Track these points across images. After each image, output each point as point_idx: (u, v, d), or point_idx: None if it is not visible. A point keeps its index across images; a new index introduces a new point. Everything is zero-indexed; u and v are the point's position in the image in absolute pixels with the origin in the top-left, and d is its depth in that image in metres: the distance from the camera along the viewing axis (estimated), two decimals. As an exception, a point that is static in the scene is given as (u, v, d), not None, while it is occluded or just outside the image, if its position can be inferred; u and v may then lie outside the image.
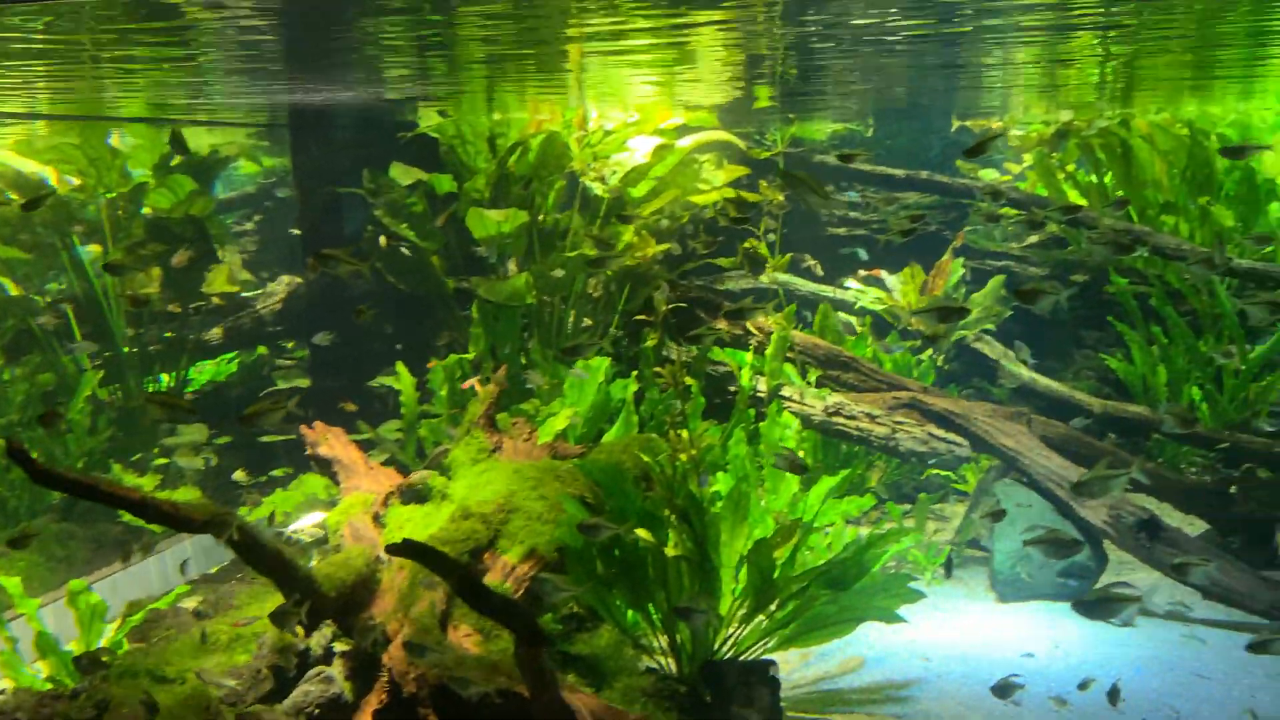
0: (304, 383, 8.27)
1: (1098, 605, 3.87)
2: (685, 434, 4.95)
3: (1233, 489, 6.72)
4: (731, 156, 8.67)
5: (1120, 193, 9.22)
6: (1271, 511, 6.36)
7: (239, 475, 7.26)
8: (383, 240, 7.56)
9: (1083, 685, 4.49)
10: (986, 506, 6.35)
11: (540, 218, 7.61)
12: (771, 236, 7.34)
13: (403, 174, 7.44)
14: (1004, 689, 4.10)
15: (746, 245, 7.36)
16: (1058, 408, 7.77)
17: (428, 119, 7.52)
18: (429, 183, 7.46)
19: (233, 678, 4.31)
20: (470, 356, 7.02)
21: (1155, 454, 7.89)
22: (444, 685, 3.76)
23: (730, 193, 7.67)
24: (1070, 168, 10.13)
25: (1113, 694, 4.18)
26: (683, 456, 4.80)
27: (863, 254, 9.27)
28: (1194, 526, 6.48)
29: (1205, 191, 8.98)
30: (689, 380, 6.16)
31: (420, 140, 7.78)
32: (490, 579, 4.60)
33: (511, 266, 8.00)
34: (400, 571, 4.57)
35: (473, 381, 6.29)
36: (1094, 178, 9.81)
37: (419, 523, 4.94)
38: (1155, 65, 8.91)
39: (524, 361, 7.14)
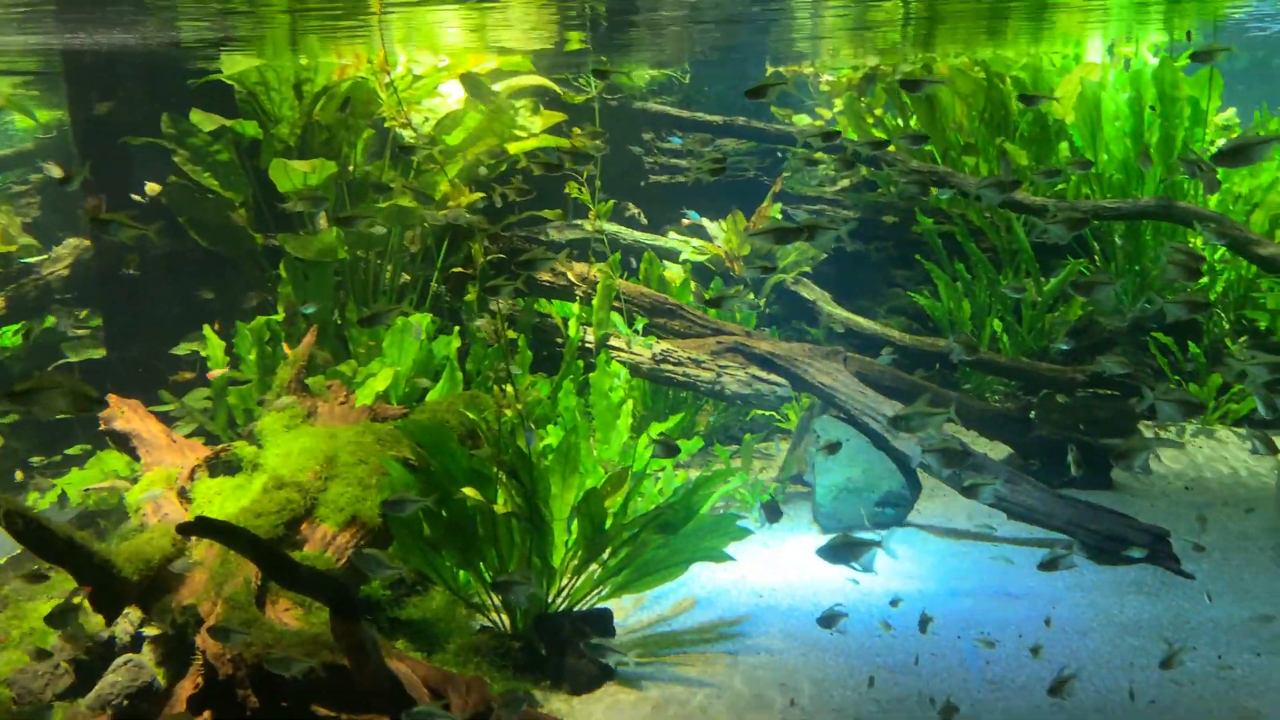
0: (98, 353, 7.68)
1: (840, 549, 4.05)
2: (510, 389, 4.85)
3: (1031, 414, 7.18)
4: (548, 103, 8.51)
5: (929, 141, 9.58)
6: (1067, 433, 6.82)
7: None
8: (151, 187, 7.02)
9: (894, 603, 4.76)
10: (807, 443, 6.54)
11: (350, 169, 7.27)
12: (583, 183, 7.25)
13: (204, 120, 6.92)
14: (829, 619, 4.24)
15: (569, 190, 7.24)
16: (873, 345, 8.07)
17: (231, 65, 6.99)
18: (234, 130, 6.97)
19: (26, 675, 3.98)
20: (280, 318, 6.67)
21: (961, 384, 8.32)
22: (261, 665, 3.57)
23: (550, 140, 7.51)
24: (879, 111, 10.48)
25: (922, 623, 4.39)
26: (508, 412, 4.71)
27: (694, 215, 9.30)
28: (999, 451, 6.88)
29: (1002, 133, 9.45)
30: (512, 334, 6.04)
31: (214, 89, 7.25)
32: (310, 550, 4.41)
33: (322, 221, 7.62)
34: (211, 549, 4.31)
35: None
36: (900, 121, 10.18)
37: (229, 496, 4.67)
38: (953, 9, 9.25)
39: (338, 321, 6.85)
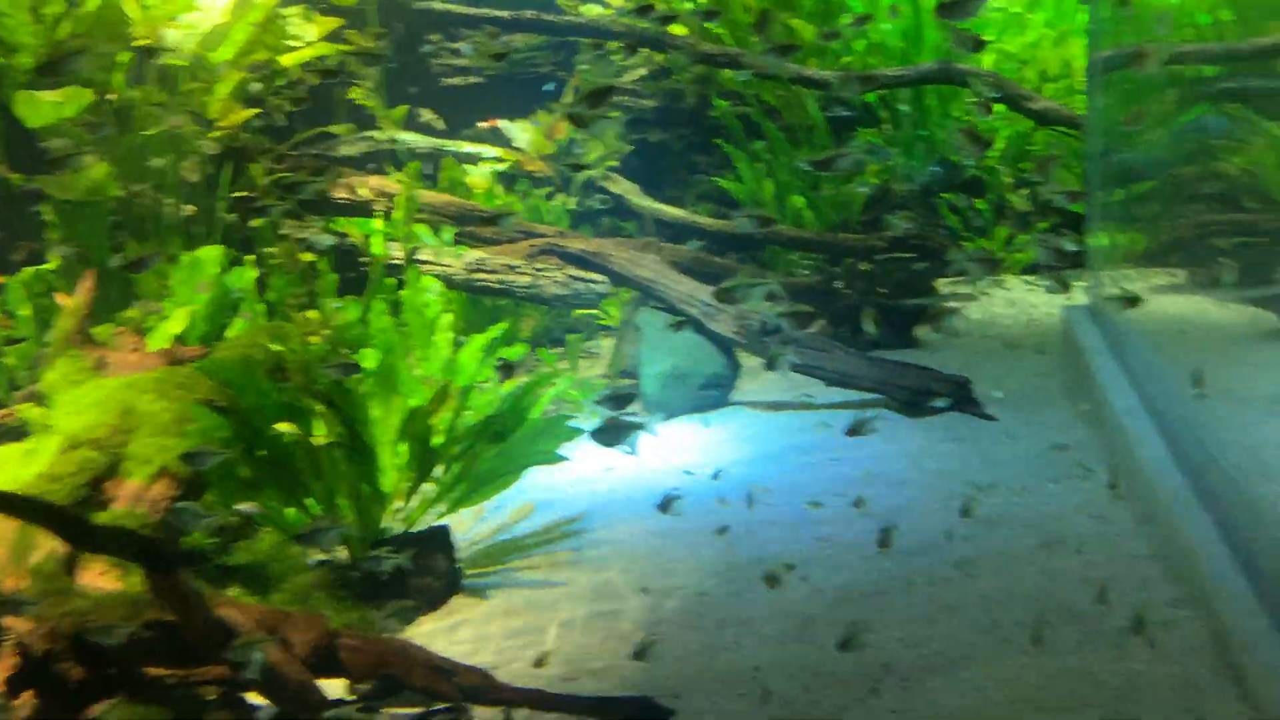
0: None
1: (608, 432, 4.17)
2: (315, 314, 4.65)
3: (836, 284, 7.46)
4: (323, 10, 8.00)
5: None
6: (870, 298, 7.13)
7: None
8: None
9: (715, 476, 4.96)
10: (631, 336, 6.60)
11: (109, 96, 6.65)
12: (369, 90, 6.90)
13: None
14: (666, 503, 4.33)
15: (352, 97, 6.88)
16: (686, 233, 8.16)
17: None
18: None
19: None
20: (53, 266, 6.12)
21: (772, 263, 8.55)
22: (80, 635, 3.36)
23: (328, 48, 7.08)
24: (669, -4, 10.38)
25: (750, 496, 4.58)
26: (314, 339, 4.51)
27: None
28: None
29: (788, 9, 9.53)
30: (309, 256, 5.77)
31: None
32: (119, 508, 4.16)
33: (88, 157, 6.98)
34: (6, 520, 3.99)
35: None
36: (691, 4, 10.12)
37: (19, 463, 4.32)
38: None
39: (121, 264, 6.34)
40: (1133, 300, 4.97)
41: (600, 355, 7.39)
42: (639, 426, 4.13)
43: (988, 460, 5.00)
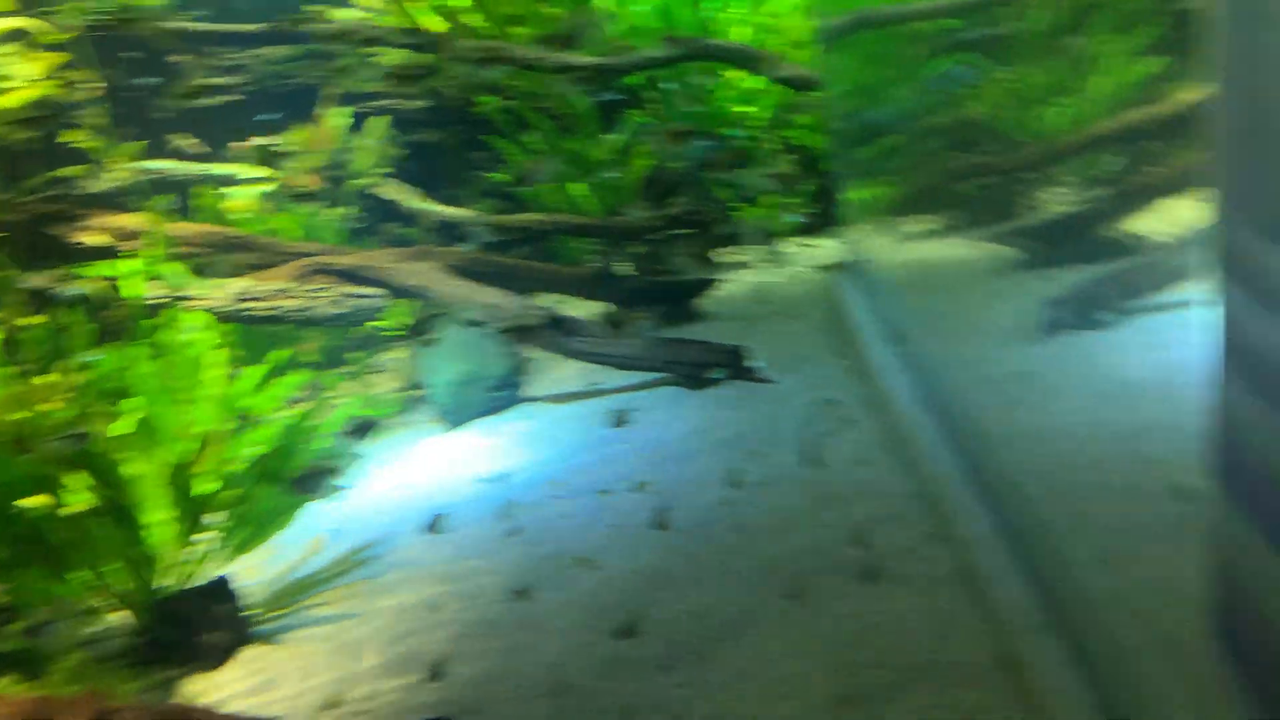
0: None
1: (306, 481, 4.23)
2: (57, 376, 4.37)
3: (617, 267, 7.56)
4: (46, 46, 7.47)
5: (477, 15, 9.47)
6: (653, 277, 7.27)
7: None
8: None
9: (508, 477, 4.97)
10: (415, 346, 6.50)
11: None
12: (91, 130, 6.51)
13: None
14: (435, 522, 4.32)
15: (66, 139, 6.47)
16: (472, 233, 8.08)
17: None
18: None
19: None
20: None
21: (557, 254, 8.58)
22: None
23: (48, 87, 6.63)
24: (425, -8, 10.19)
25: (546, 491, 4.60)
26: (57, 403, 4.25)
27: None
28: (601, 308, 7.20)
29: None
30: (57, 309, 5.41)
31: None
32: None
33: None
34: None
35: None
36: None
37: None
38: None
39: None
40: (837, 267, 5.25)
41: (389, 370, 7.25)
42: (332, 471, 4.13)
43: (768, 421, 5.19)
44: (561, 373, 6.44)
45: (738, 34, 9.10)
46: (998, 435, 3.72)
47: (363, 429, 4.82)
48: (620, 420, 4.76)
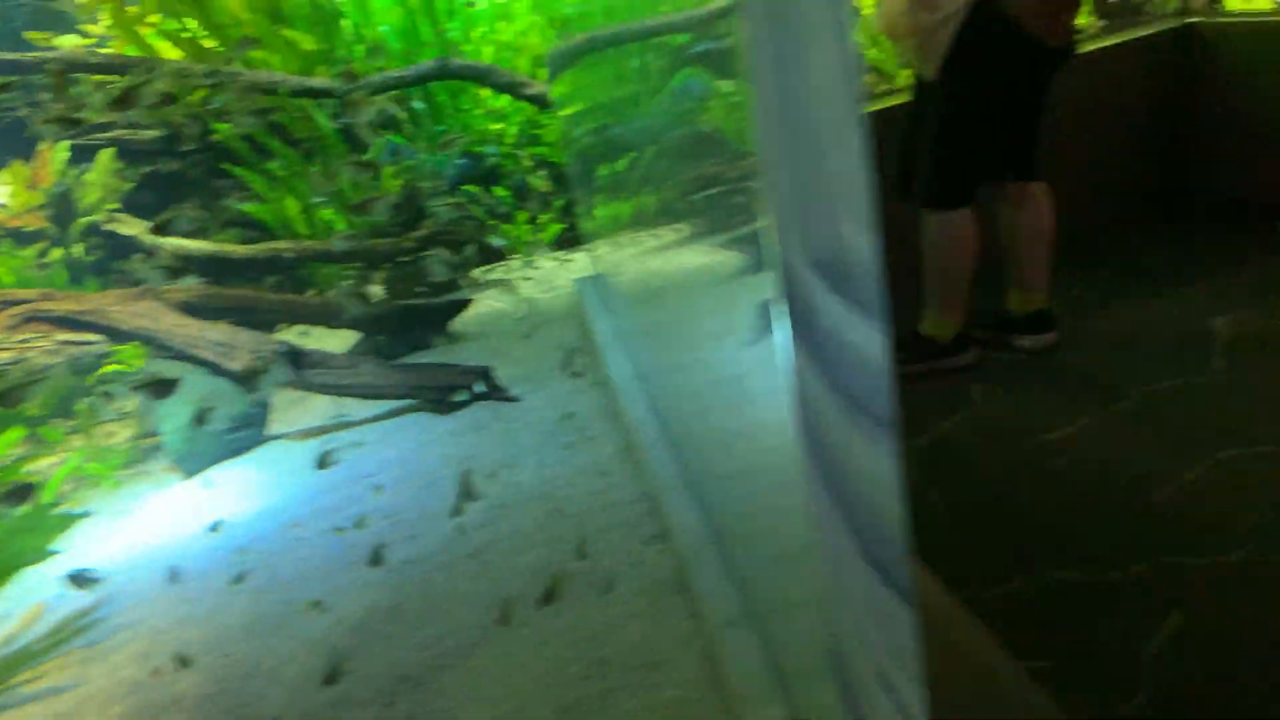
0: None
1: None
2: None
3: (370, 292, 7.42)
4: None
5: (207, 37, 9.10)
6: (404, 301, 7.18)
7: None
8: None
9: (214, 528, 4.82)
10: (145, 393, 6.16)
11: None
12: None
13: None
14: (174, 575, 4.12)
15: None
16: (214, 266, 7.74)
17: None
18: None
19: None
20: None
21: (310, 282, 8.35)
22: None
23: None
24: (155, 19, 9.69)
25: (284, 530, 4.46)
26: None
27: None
28: (353, 337, 7.06)
29: (280, 21, 9.26)
30: None
31: None
32: None
33: None
34: None
35: None
36: (178, 24, 9.52)
37: None
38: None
39: None
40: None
41: (122, 418, 6.86)
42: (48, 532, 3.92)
43: (508, 441, 5.23)
44: (306, 408, 6.27)
45: (484, 53, 9.14)
46: (703, 439, 3.89)
47: (20, 493, 4.52)
48: (350, 454, 4.68)
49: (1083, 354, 4.33)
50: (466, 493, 4.50)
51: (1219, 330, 4.33)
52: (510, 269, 8.05)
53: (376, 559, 4.02)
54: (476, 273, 7.93)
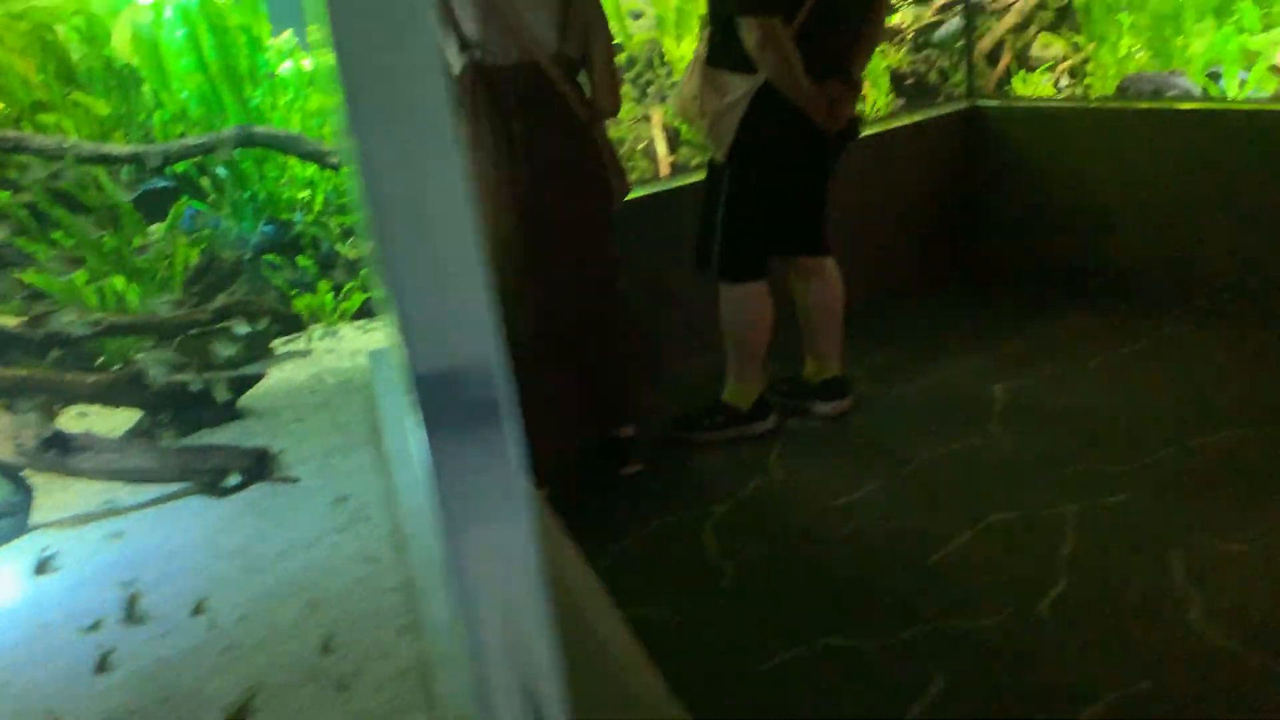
0: None
1: None
2: None
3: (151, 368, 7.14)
4: None
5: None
6: (191, 376, 6.94)
7: None
8: None
9: None
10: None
11: None
12: None
13: None
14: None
15: None
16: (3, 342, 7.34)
17: None
18: None
19: None
20: None
21: (98, 357, 7.98)
22: None
23: None
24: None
25: (40, 633, 4.22)
26: None
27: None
28: (132, 416, 6.77)
29: (71, 84, 8.96)
30: None
31: None
32: None
33: None
34: None
35: None
36: (-39, 86, 9.08)
37: None
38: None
39: None
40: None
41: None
42: None
43: (282, 526, 5.10)
44: (76, 493, 5.98)
45: (292, 121, 9.03)
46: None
47: None
48: (105, 547, 4.47)
49: (875, 420, 4.55)
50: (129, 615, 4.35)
51: (996, 395, 4.62)
52: (311, 338, 7.90)
53: (106, 665, 3.85)
54: (275, 344, 7.75)
